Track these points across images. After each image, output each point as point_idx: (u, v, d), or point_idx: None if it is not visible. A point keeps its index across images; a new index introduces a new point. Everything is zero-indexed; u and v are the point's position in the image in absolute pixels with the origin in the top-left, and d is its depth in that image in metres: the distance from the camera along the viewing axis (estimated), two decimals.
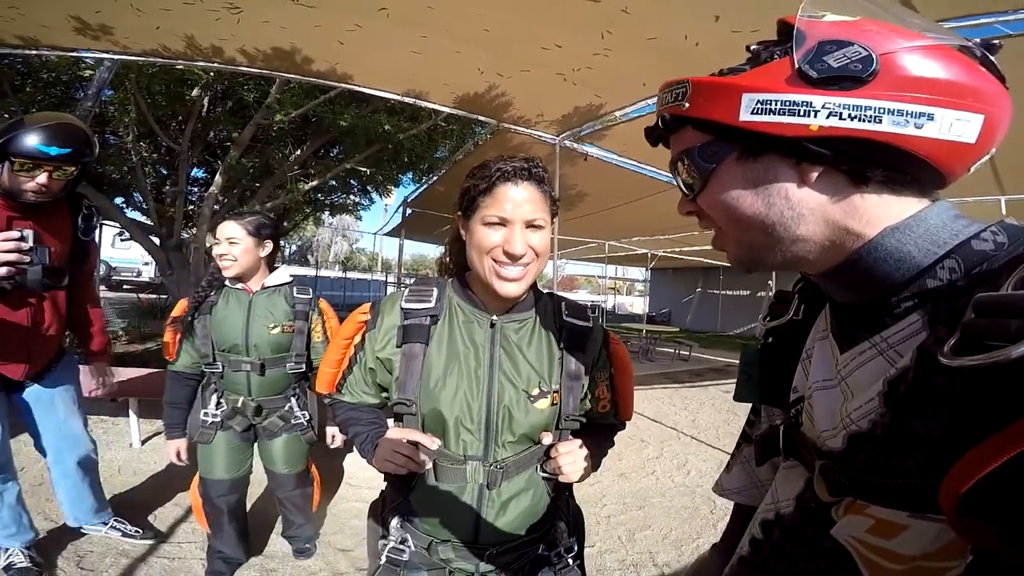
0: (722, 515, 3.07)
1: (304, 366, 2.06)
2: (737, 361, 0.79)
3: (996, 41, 0.47)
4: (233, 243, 1.91)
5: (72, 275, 1.96)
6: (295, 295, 2.06)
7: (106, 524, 2.32)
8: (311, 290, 2.10)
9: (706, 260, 13.83)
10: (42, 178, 1.72)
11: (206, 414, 1.98)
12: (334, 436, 2.20)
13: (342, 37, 3.22)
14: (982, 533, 0.35)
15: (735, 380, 0.81)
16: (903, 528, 0.46)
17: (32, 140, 1.67)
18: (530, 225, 0.94)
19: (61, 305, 2.00)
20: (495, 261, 0.93)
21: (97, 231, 2.15)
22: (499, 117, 4.40)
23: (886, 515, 0.47)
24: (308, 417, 2.11)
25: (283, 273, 2.10)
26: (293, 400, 2.08)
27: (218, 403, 2.00)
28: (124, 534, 2.34)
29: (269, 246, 2.01)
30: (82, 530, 2.32)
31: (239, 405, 1.99)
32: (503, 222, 0.93)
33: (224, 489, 2.05)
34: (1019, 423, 0.33)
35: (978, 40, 0.47)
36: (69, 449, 2.13)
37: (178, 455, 2.04)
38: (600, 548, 2.63)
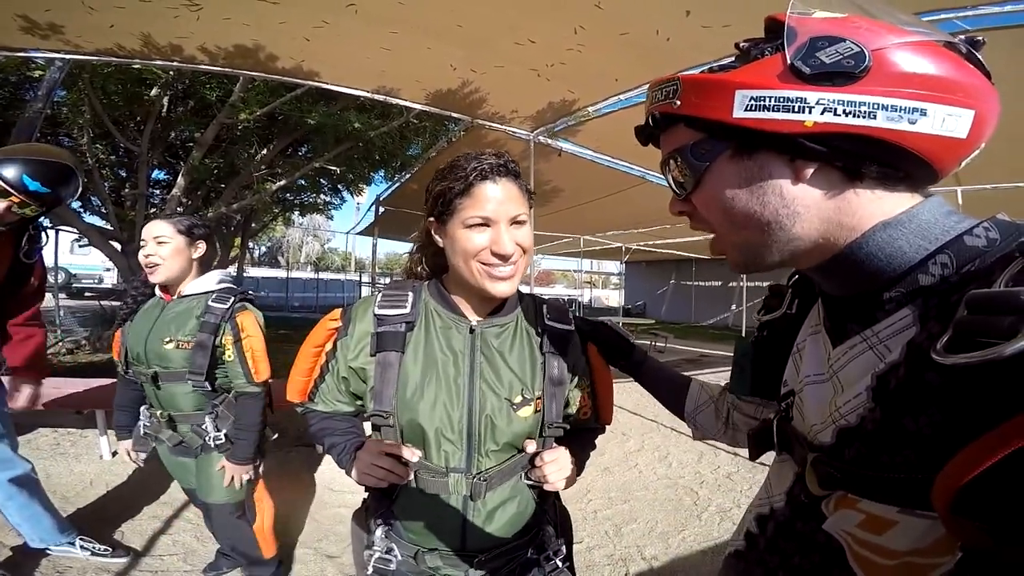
0: (705, 506, 3.12)
1: (207, 384, 1.77)
2: (713, 351, 0.81)
3: (980, 37, 0.47)
4: (161, 242, 1.73)
5: (7, 297, 1.87)
6: (209, 305, 1.77)
7: (72, 544, 2.22)
8: (231, 299, 1.80)
9: (679, 252, 14.07)
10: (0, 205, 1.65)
11: (139, 426, 1.89)
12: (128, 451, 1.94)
13: (308, 34, 3.14)
14: (973, 531, 0.35)
15: (712, 370, 0.82)
16: (893, 524, 0.46)
17: (15, 167, 1.60)
18: (514, 221, 0.91)
19: None
20: (484, 264, 0.90)
21: (42, 252, 2.00)
22: (473, 114, 4.36)
23: (876, 510, 0.48)
24: (226, 439, 1.82)
25: (209, 279, 1.85)
26: (208, 419, 1.80)
27: (149, 415, 1.87)
28: (93, 553, 2.23)
29: (202, 247, 1.83)
30: (48, 551, 2.20)
31: (159, 418, 1.84)
32: (487, 222, 0.89)
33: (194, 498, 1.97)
34: (1012, 421, 0.33)
35: (962, 36, 0.47)
36: (7, 470, 2.03)
37: (128, 454, 1.93)
38: (588, 544, 2.64)
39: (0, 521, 2.14)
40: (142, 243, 1.76)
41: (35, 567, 2.15)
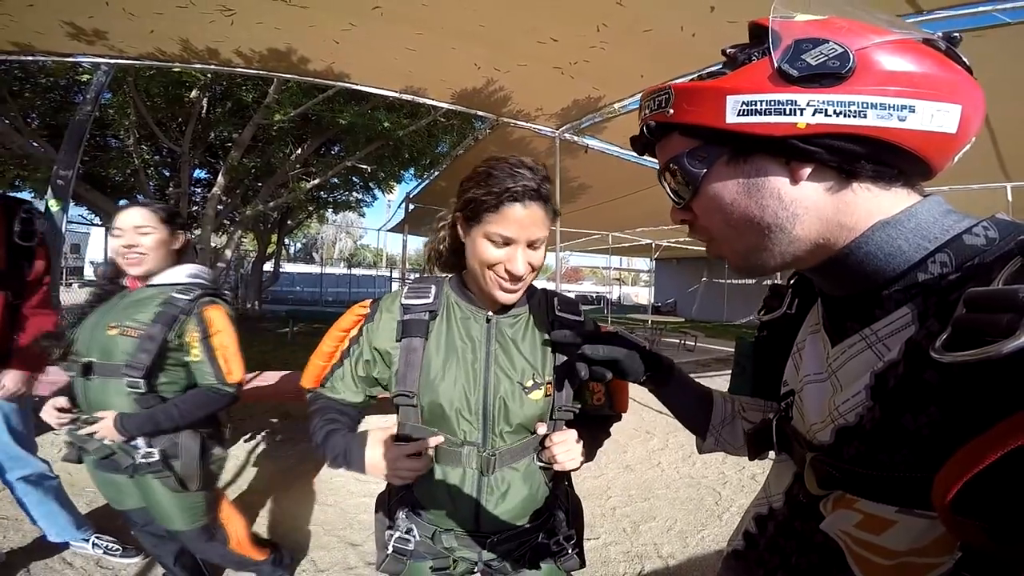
0: (727, 506, 3.08)
1: (142, 384, 1.50)
2: None
3: (956, 34, 0.48)
4: (143, 232, 1.56)
5: (10, 282, 1.87)
6: (172, 296, 1.57)
7: (87, 540, 2.24)
8: (197, 292, 1.60)
9: None
10: None
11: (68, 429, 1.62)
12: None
13: (337, 36, 3.21)
14: (972, 530, 0.35)
15: None
16: (891, 523, 0.47)
17: None
18: (531, 244, 0.97)
19: None
20: (496, 275, 0.97)
21: (40, 234, 1.93)
22: (498, 112, 4.37)
23: (874, 510, 0.48)
24: (161, 457, 1.53)
25: (180, 271, 1.66)
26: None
27: (75, 420, 1.62)
28: (106, 551, 2.25)
29: (181, 238, 1.68)
30: (70, 546, 2.24)
31: (84, 422, 1.57)
32: (508, 242, 0.94)
33: (146, 516, 1.71)
34: (1010, 419, 0.33)
35: (940, 33, 0.48)
36: (19, 468, 2.05)
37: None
38: (605, 540, 2.64)
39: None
40: (117, 232, 1.57)
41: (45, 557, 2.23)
